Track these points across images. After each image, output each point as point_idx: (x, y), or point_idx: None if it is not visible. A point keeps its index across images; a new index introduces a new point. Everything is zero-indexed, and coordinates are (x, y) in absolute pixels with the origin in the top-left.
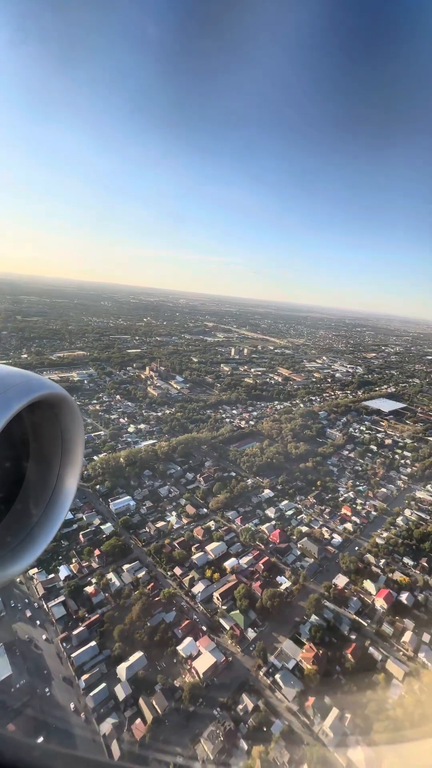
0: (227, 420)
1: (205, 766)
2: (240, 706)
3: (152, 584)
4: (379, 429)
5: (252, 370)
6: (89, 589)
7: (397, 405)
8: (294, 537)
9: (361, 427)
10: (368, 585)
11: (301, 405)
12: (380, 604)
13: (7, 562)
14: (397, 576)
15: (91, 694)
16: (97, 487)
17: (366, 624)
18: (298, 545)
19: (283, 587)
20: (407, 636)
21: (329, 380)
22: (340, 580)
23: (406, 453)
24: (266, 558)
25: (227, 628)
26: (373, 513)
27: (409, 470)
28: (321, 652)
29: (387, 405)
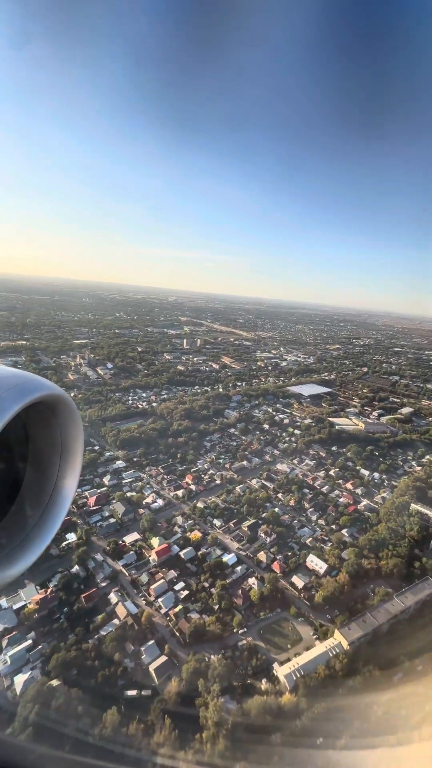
0: (129, 401)
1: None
2: None
3: None
4: (287, 411)
5: (195, 358)
6: None
7: (321, 390)
8: (114, 501)
9: (269, 409)
10: (154, 541)
11: (221, 389)
12: (152, 557)
13: (4, 565)
14: (194, 535)
15: None
16: None
17: (128, 574)
18: (110, 508)
19: (65, 543)
20: (157, 584)
21: (269, 368)
22: (132, 537)
23: (296, 432)
24: (68, 518)
25: None
26: (217, 482)
27: (285, 446)
28: (52, 595)
29: (311, 390)
